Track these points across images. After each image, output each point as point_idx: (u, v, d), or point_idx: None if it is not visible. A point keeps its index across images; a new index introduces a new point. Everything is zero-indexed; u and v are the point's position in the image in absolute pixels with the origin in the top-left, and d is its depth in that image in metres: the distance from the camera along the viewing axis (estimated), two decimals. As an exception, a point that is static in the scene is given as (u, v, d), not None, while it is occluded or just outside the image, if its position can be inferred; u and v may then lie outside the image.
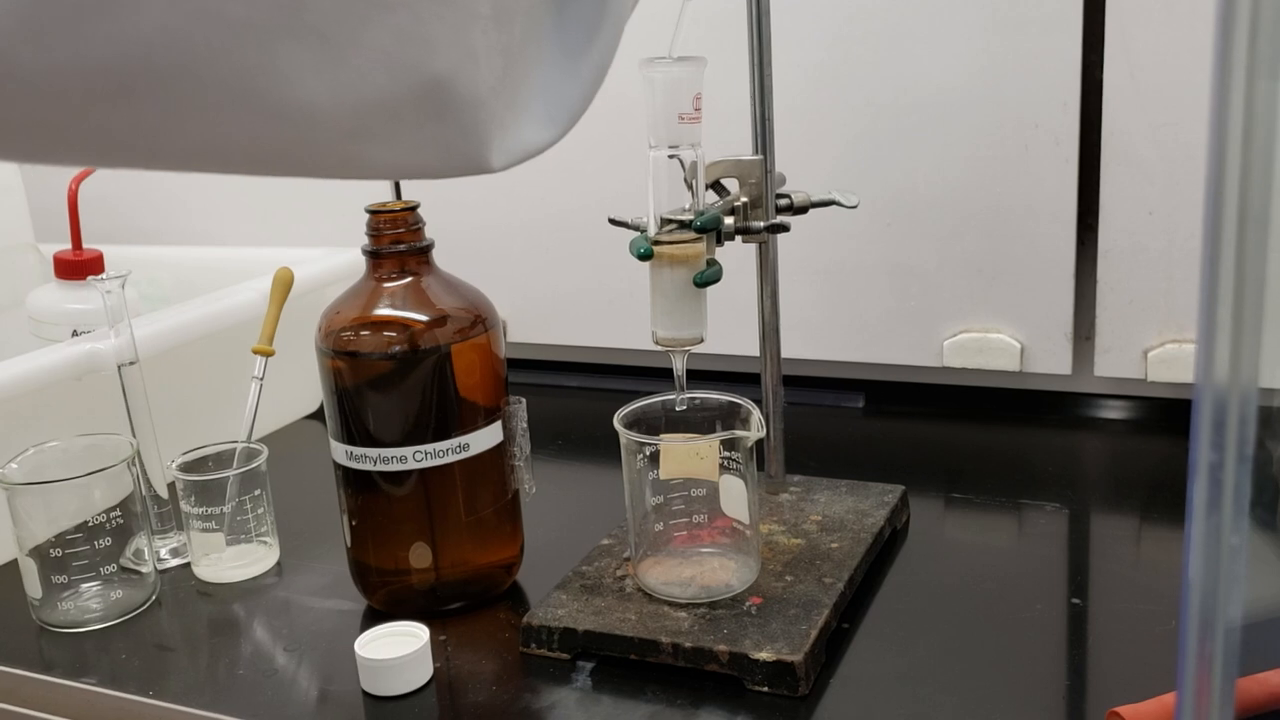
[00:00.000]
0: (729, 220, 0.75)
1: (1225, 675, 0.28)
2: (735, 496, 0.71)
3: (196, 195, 1.33)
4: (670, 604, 0.70)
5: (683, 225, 0.70)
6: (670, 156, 0.70)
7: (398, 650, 0.67)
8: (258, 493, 0.84)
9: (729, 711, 0.64)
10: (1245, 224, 0.26)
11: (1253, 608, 0.29)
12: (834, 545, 0.76)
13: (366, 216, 0.74)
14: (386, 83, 0.34)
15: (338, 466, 0.75)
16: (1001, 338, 1.00)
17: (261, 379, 0.87)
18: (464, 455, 0.73)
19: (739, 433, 0.70)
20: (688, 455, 0.71)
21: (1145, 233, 0.93)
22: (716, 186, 0.77)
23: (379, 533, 0.75)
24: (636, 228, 0.72)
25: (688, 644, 0.66)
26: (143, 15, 0.29)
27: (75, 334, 0.97)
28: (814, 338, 1.06)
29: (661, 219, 0.71)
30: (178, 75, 0.30)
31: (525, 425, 0.77)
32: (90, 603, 0.78)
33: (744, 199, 0.77)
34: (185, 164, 0.34)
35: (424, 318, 0.73)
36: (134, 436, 0.83)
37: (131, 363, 0.84)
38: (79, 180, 1.07)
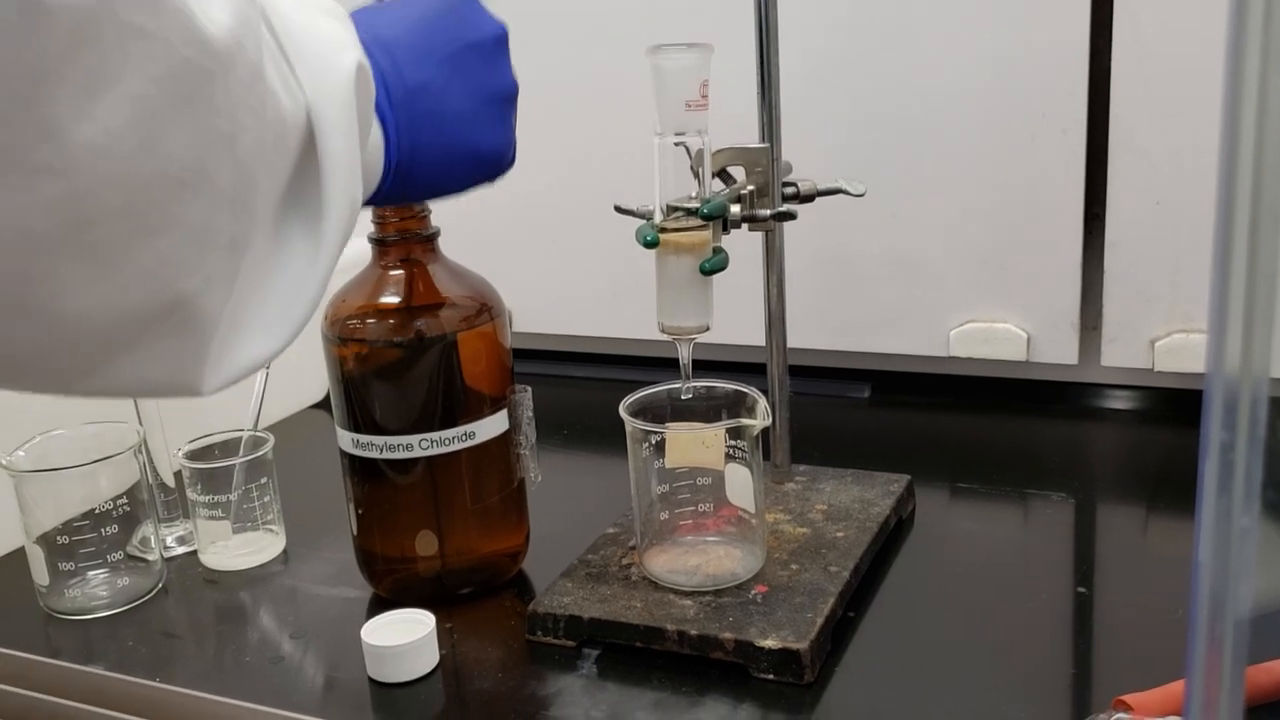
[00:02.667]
0: (735, 208, 0.75)
1: (1235, 658, 0.28)
2: (741, 485, 0.71)
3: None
4: (676, 592, 0.70)
5: (689, 213, 0.70)
6: (676, 144, 0.70)
7: (404, 637, 0.67)
8: (264, 481, 0.84)
9: (734, 699, 0.64)
10: (1258, 211, 0.26)
11: (1263, 598, 0.29)
12: (840, 534, 0.76)
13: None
14: (143, 297, 0.39)
15: (344, 454, 0.75)
16: (1008, 327, 1.00)
17: (268, 367, 0.87)
18: (470, 443, 0.73)
19: (745, 421, 0.70)
20: (693, 444, 0.71)
21: (1152, 222, 0.93)
22: (723, 174, 0.77)
23: (385, 520, 0.75)
24: (643, 215, 0.72)
25: (693, 632, 0.66)
26: None
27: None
28: (820, 327, 1.06)
29: (667, 207, 0.70)
30: None
31: (531, 414, 0.77)
32: (97, 590, 0.78)
33: (750, 187, 0.77)
34: None
35: (430, 306, 0.73)
36: (140, 424, 0.83)
37: (138, 351, 0.84)
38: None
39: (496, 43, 0.60)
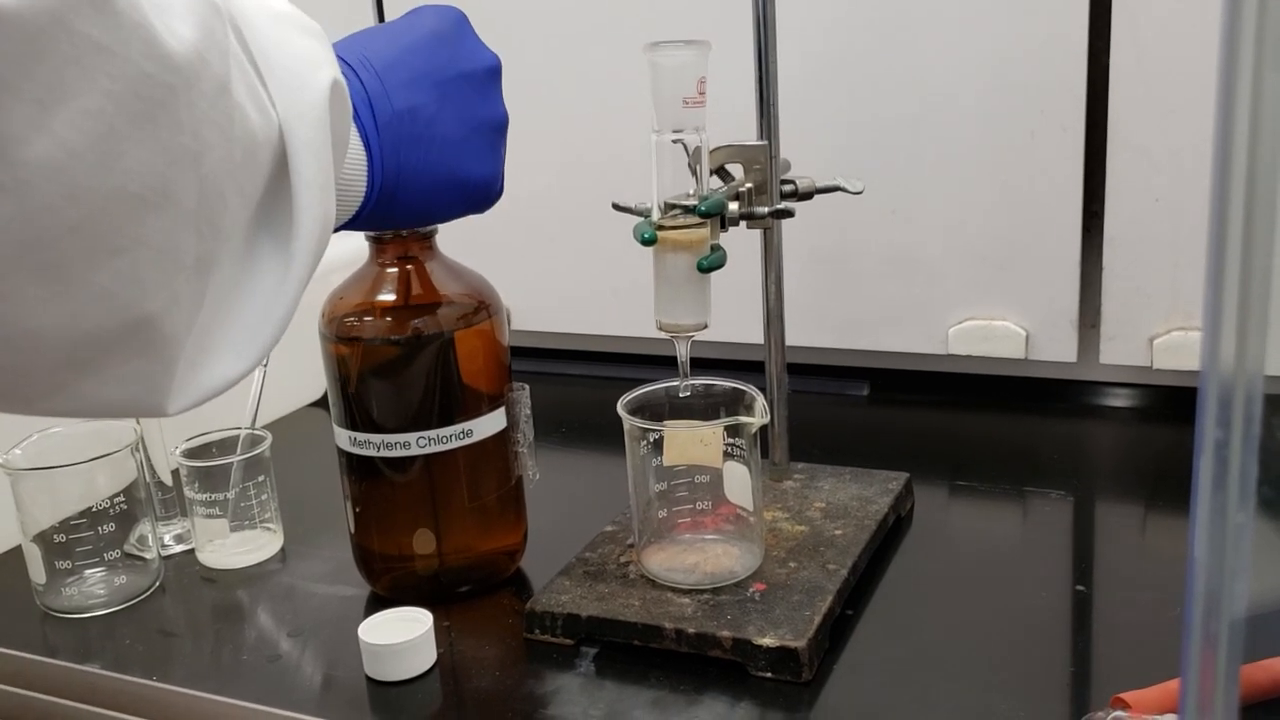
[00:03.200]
0: (733, 206, 0.74)
1: (1230, 656, 0.28)
2: (739, 483, 0.71)
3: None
4: (674, 590, 0.70)
5: (687, 210, 0.70)
6: (674, 141, 0.70)
7: (401, 635, 0.67)
8: (261, 479, 0.84)
9: (732, 697, 0.64)
10: (1252, 209, 0.25)
11: (1258, 595, 0.29)
12: (838, 532, 0.76)
13: (370, 202, 0.74)
14: (104, 318, 0.38)
15: (341, 452, 0.75)
16: (1007, 325, 1.00)
17: (265, 365, 0.87)
18: (467, 441, 0.73)
19: (743, 419, 0.70)
20: (691, 442, 0.71)
21: (1151, 220, 0.93)
22: (721, 172, 0.77)
23: (383, 519, 0.75)
24: (640, 213, 0.72)
25: (691, 630, 0.66)
26: None
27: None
28: (818, 325, 1.06)
29: (665, 204, 0.70)
30: None
31: (529, 412, 0.76)
32: (94, 588, 0.78)
33: (748, 184, 0.77)
34: None
35: (427, 304, 0.73)
36: (137, 422, 0.83)
37: (135, 349, 0.84)
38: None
39: (489, 74, 0.60)
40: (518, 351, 0.79)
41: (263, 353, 0.47)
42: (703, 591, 0.70)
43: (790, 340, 0.85)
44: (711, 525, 0.73)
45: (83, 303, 0.37)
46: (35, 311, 0.36)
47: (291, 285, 0.47)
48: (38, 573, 0.77)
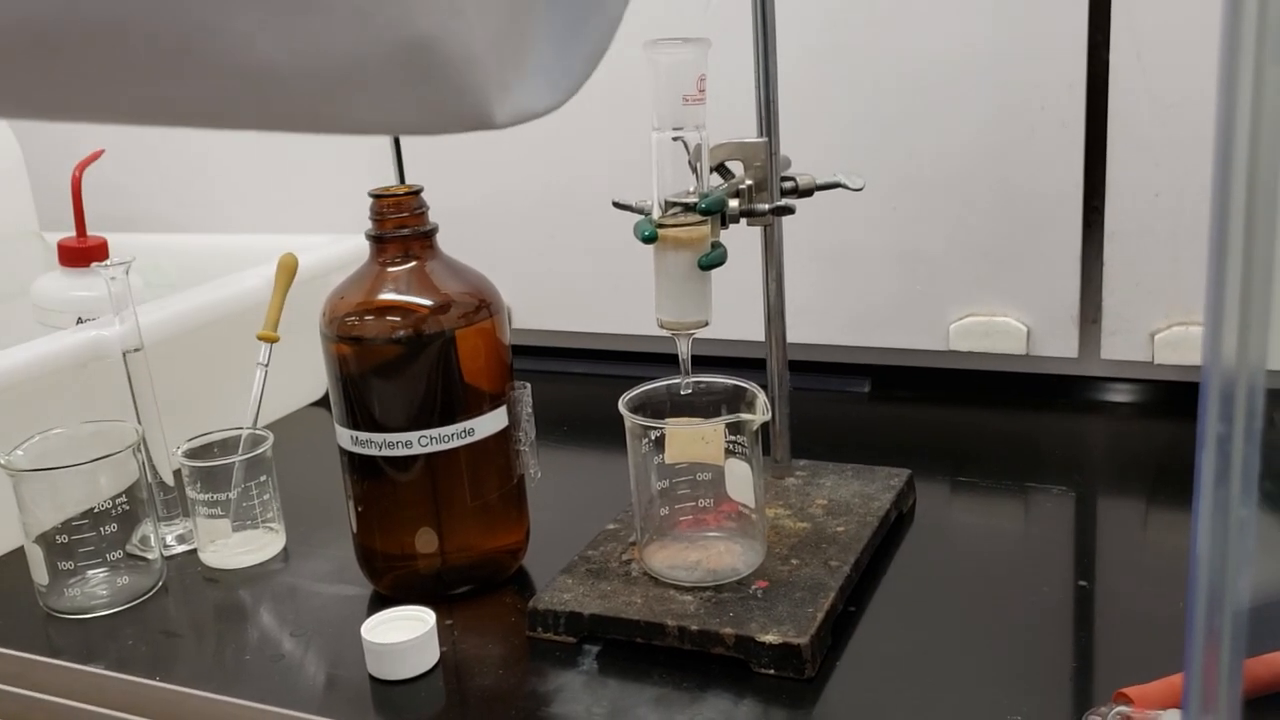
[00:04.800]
0: (734, 203, 0.74)
1: (1234, 649, 0.28)
2: (741, 480, 0.71)
3: (201, 182, 1.33)
4: (676, 588, 0.70)
5: (687, 208, 0.70)
6: (674, 139, 0.70)
7: (404, 634, 0.67)
8: (263, 479, 0.84)
9: (735, 694, 0.64)
10: (1254, 204, 0.25)
11: (1261, 589, 0.29)
12: (840, 529, 0.76)
13: (370, 201, 0.74)
14: (357, 45, 0.31)
15: (343, 452, 0.75)
16: (1008, 321, 1.00)
17: (266, 365, 0.87)
18: (469, 440, 0.73)
19: (744, 416, 0.70)
20: (693, 439, 0.71)
21: (1152, 215, 0.93)
22: (721, 169, 0.77)
23: (385, 518, 0.75)
24: (641, 211, 0.72)
25: (694, 627, 0.66)
26: None
27: (80, 321, 0.97)
28: (819, 322, 1.06)
29: (666, 202, 0.70)
30: (108, 34, 0.28)
31: (530, 410, 0.76)
32: (97, 589, 0.78)
33: (749, 182, 0.77)
34: (137, 119, 0.32)
35: (428, 302, 0.73)
36: (139, 423, 0.83)
37: (136, 349, 0.84)
38: (83, 167, 1.07)
39: None
40: (519, 350, 0.79)
41: (577, 83, 0.38)
42: (705, 589, 0.70)
43: (791, 337, 0.85)
44: (713, 523, 0.73)
45: (319, 29, 0.30)
46: (258, 42, 0.29)
47: (608, 3, 0.38)
48: (40, 574, 0.77)
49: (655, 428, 0.71)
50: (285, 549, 0.85)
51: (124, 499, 0.77)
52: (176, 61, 0.29)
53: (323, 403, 1.13)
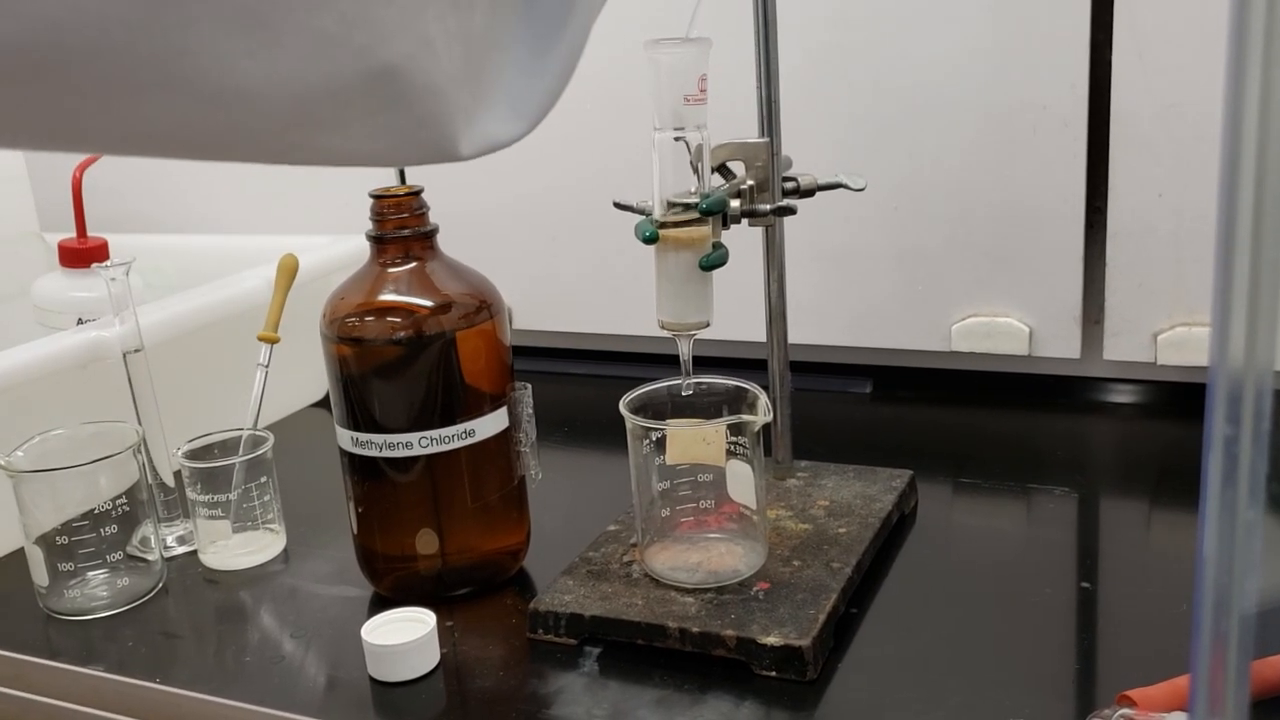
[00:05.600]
0: (735, 203, 0.74)
1: (1241, 652, 0.27)
2: (742, 482, 0.71)
3: (200, 183, 1.33)
4: (677, 589, 0.70)
5: (688, 208, 0.70)
6: (676, 139, 0.69)
7: (405, 636, 0.67)
8: (264, 480, 0.84)
9: (736, 696, 0.64)
10: (1261, 203, 0.25)
11: (1268, 591, 0.29)
12: (842, 530, 0.76)
13: (370, 202, 0.74)
14: (331, 70, 0.32)
15: (344, 453, 0.75)
16: (1010, 322, 0.99)
17: (267, 366, 0.87)
18: (470, 441, 0.73)
19: (746, 418, 0.70)
20: (694, 440, 0.70)
21: (1154, 215, 0.93)
22: (722, 169, 0.77)
23: (385, 519, 0.75)
24: (642, 211, 0.72)
25: (695, 629, 0.66)
26: None
27: (80, 322, 0.97)
28: (821, 322, 1.06)
29: (667, 202, 0.70)
30: (92, 57, 0.28)
31: (531, 411, 0.76)
32: (97, 590, 0.78)
33: (750, 182, 0.76)
34: (117, 148, 0.32)
35: (429, 303, 0.73)
36: (140, 424, 0.83)
37: (137, 350, 0.84)
38: (83, 168, 1.07)
39: None
40: (519, 351, 0.79)
41: (541, 112, 0.40)
42: (706, 590, 0.70)
43: (793, 338, 0.84)
44: (715, 524, 0.73)
45: (296, 53, 0.31)
46: (238, 66, 0.30)
47: (571, 33, 0.39)
48: (40, 575, 0.77)
49: (656, 429, 0.70)
50: (285, 550, 0.85)
51: (124, 500, 0.77)
52: (157, 87, 0.30)
53: (323, 404, 1.12)
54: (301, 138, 0.33)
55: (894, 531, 0.80)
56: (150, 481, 0.82)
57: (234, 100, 0.31)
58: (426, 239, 0.74)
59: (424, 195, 0.75)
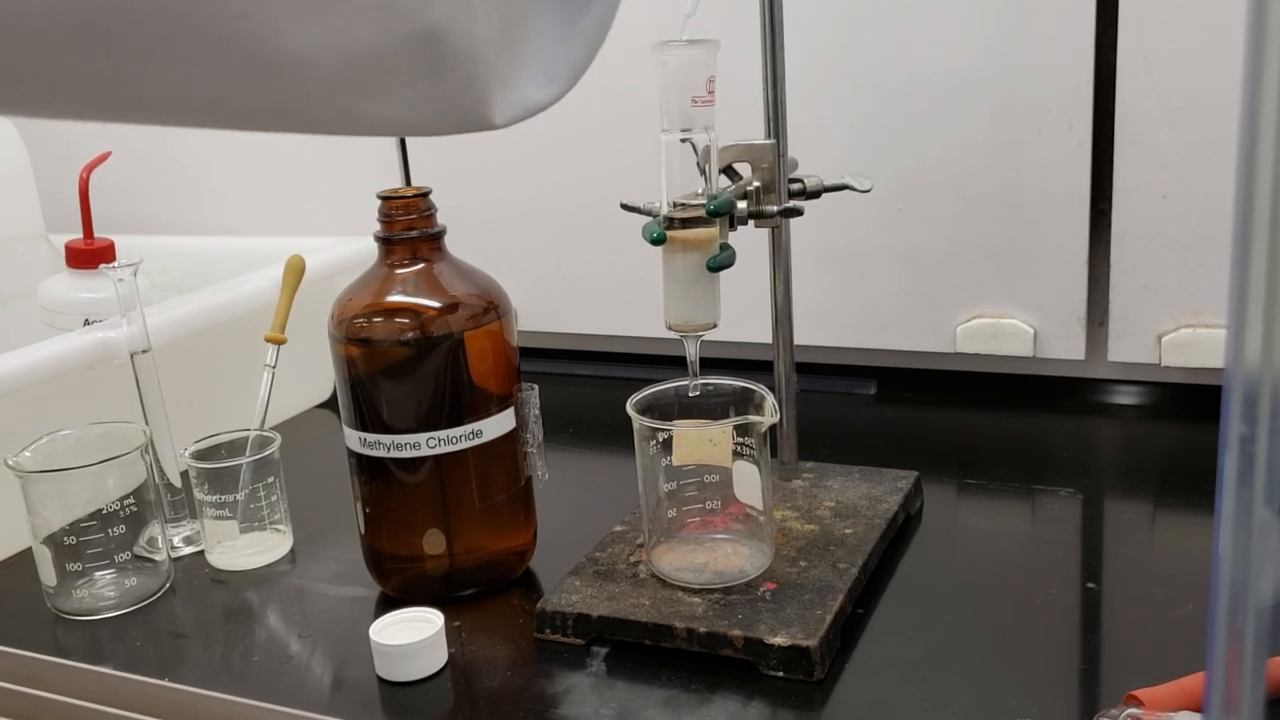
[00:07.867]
0: (742, 205, 0.74)
1: (1257, 650, 0.27)
2: (748, 482, 0.71)
3: (208, 184, 1.33)
4: (684, 589, 0.70)
5: (695, 210, 0.70)
6: (683, 140, 0.69)
7: (412, 636, 0.67)
8: (271, 480, 0.84)
9: (744, 696, 0.64)
10: (1278, 204, 0.25)
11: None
12: (848, 531, 0.76)
13: (378, 203, 0.74)
14: (378, 33, 0.33)
15: (351, 453, 0.75)
16: (1015, 323, 0.99)
17: (274, 367, 0.87)
18: (477, 442, 0.73)
19: (752, 418, 0.70)
20: (701, 441, 0.70)
21: (1159, 216, 0.93)
22: (729, 171, 0.77)
23: (393, 519, 0.75)
24: (649, 213, 0.72)
25: (702, 629, 0.66)
26: None
27: (87, 323, 0.97)
28: (826, 324, 1.06)
29: (674, 204, 0.70)
30: (155, 21, 0.29)
31: (538, 412, 0.76)
32: (105, 590, 0.78)
33: (757, 183, 0.77)
34: (170, 117, 0.33)
35: (436, 304, 0.73)
36: (147, 424, 0.83)
37: (144, 351, 0.84)
38: (90, 169, 1.07)
39: None
40: (526, 352, 0.79)
41: (575, 75, 0.40)
42: (713, 591, 0.70)
43: (799, 339, 0.85)
44: (721, 524, 0.73)
45: (348, 16, 0.32)
46: (293, 30, 0.31)
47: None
48: (48, 575, 0.77)
49: (663, 429, 0.71)
50: (293, 550, 0.85)
51: (131, 500, 0.77)
52: (214, 52, 0.30)
53: (330, 404, 1.13)
54: (348, 103, 0.34)
55: (900, 532, 0.80)
56: (157, 482, 0.82)
57: (286, 65, 0.31)
58: (434, 240, 0.74)
59: (432, 197, 0.75)
